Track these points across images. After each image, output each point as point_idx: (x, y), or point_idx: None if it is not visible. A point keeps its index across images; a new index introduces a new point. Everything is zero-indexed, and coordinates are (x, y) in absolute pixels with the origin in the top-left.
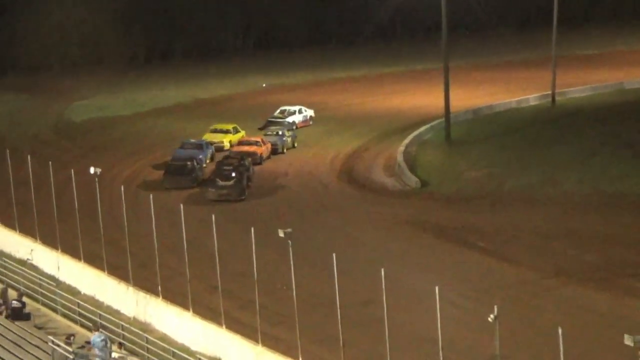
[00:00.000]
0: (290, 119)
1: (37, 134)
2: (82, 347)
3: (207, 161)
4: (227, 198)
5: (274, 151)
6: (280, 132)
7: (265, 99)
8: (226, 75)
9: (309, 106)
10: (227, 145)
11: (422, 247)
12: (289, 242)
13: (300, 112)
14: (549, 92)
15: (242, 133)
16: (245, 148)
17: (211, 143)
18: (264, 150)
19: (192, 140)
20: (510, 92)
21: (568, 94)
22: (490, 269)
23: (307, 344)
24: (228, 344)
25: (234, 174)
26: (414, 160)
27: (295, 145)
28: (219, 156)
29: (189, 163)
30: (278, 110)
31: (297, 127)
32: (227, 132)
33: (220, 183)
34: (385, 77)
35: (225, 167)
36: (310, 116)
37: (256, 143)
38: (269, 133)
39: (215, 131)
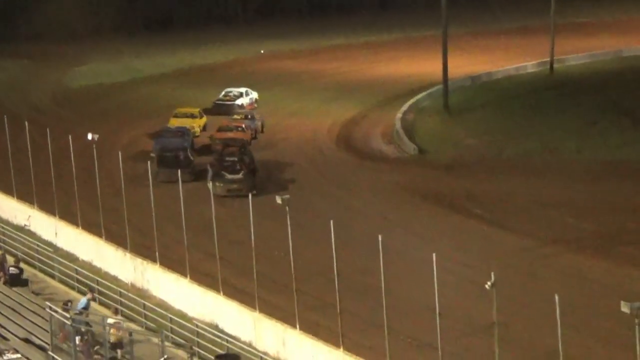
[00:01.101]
0: (239, 102)
1: (36, 101)
2: (80, 313)
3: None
4: (237, 193)
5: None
6: (250, 116)
7: (263, 66)
8: (225, 43)
9: (310, 74)
10: (197, 131)
11: (420, 215)
12: (287, 208)
13: (247, 94)
14: (548, 59)
15: (205, 118)
16: (230, 135)
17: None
18: (248, 136)
19: (172, 128)
20: (509, 59)
21: (566, 62)
22: (488, 236)
23: (304, 311)
24: (225, 310)
25: (240, 166)
26: (412, 128)
27: (264, 130)
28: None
29: (181, 153)
30: (223, 93)
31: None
32: (194, 116)
33: (229, 177)
34: (384, 44)
35: (229, 159)
36: (255, 99)
37: (238, 128)
38: (237, 117)
39: (179, 116)
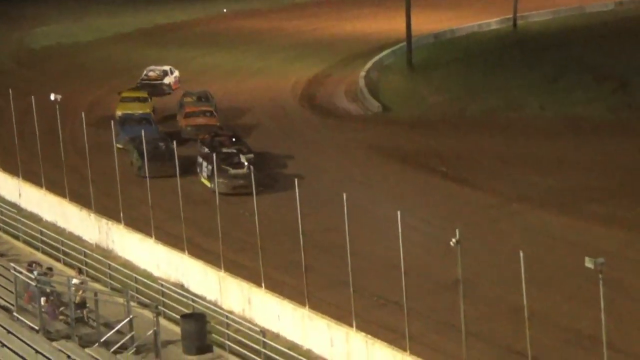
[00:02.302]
0: (166, 81)
1: None
2: (45, 273)
3: None
4: (244, 191)
5: None
6: (204, 97)
7: (225, 25)
8: (187, 1)
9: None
10: (152, 117)
11: (384, 172)
12: (251, 168)
13: (171, 72)
14: (511, 16)
15: (152, 102)
16: (200, 121)
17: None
18: (217, 120)
19: (136, 115)
20: (473, 16)
21: (529, 18)
22: (452, 193)
23: (270, 270)
24: (191, 269)
25: (242, 159)
26: (375, 86)
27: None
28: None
29: (161, 144)
30: (146, 71)
31: (173, 90)
32: (141, 100)
33: (232, 172)
34: (347, 2)
35: (226, 151)
36: (178, 77)
37: (206, 113)
38: (190, 100)
39: (127, 100)
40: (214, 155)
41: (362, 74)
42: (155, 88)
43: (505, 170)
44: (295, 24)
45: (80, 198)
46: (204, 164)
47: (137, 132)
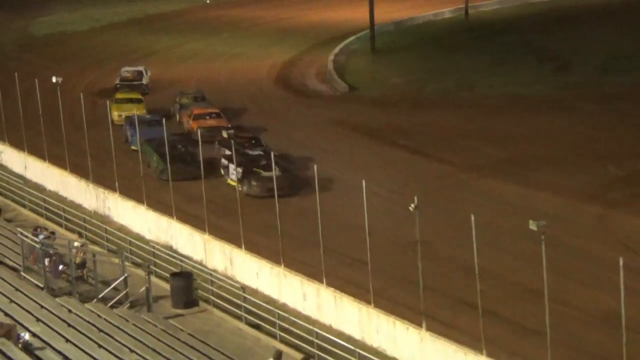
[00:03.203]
0: (144, 81)
1: (3, 48)
2: (48, 237)
3: None
4: (278, 193)
5: None
6: (200, 97)
7: (208, 14)
8: None
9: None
10: None
11: (351, 145)
12: (232, 141)
13: (145, 72)
14: (463, 5)
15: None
16: (210, 122)
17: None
18: (227, 122)
19: (147, 117)
20: (428, 6)
21: (479, 7)
22: (412, 164)
23: (248, 233)
24: (179, 233)
25: (265, 161)
26: (343, 68)
27: None
28: None
29: (180, 146)
30: (122, 72)
31: (149, 90)
32: (138, 101)
33: (265, 174)
34: None
35: (253, 153)
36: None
37: (212, 115)
38: (187, 100)
39: (122, 101)
40: (243, 157)
41: (331, 57)
42: (135, 88)
43: (459, 143)
44: (271, 13)
45: (79, 170)
46: (231, 166)
47: (153, 134)
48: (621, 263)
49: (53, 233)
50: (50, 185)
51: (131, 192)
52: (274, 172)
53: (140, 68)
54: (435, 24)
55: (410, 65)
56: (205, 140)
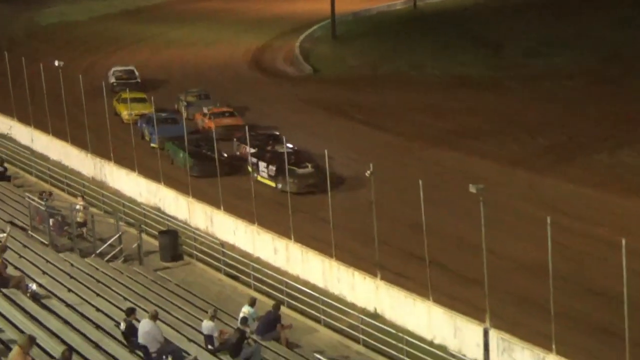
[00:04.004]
0: (138, 80)
1: (13, 36)
2: (47, 199)
3: None
4: (313, 189)
5: None
6: (204, 95)
7: (189, 6)
8: None
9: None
10: None
11: (315, 119)
12: (212, 118)
13: (136, 70)
14: None
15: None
16: (227, 121)
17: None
18: (241, 120)
19: (163, 115)
20: None
21: (426, 0)
22: (367, 135)
23: (227, 196)
24: (166, 196)
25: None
26: (307, 53)
27: None
28: None
29: (203, 144)
30: (114, 71)
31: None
32: (143, 100)
33: (300, 171)
34: None
35: (281, 150)
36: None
37: (226, 114)
38: (191, 99)
39: (127, 101)
40: (272, 155)
41: (297, 43)
42: (133, 87)
43: (408, 116)
44: (246, 4)
45: (79, 142)
46: (261, 163)
47: (171, 132)
48: (549, 221)
49: (50, 194)
50: (54, 155)
51: (124, 161)
52: (309, 169)
53: (131, 67)
54: (388, 14)
55: (366, 50)
56: (222, 138)
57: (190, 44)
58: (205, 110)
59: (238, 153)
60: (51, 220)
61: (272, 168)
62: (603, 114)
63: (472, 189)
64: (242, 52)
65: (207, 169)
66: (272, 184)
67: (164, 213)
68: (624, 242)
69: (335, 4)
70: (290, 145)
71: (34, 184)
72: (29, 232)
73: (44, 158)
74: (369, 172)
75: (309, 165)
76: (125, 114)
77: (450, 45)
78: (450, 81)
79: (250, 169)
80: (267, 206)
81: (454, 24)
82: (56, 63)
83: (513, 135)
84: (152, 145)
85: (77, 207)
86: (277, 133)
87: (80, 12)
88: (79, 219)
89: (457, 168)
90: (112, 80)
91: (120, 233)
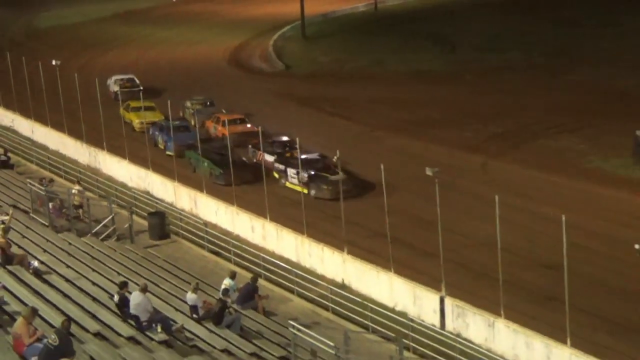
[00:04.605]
0: (141, 87)
1: (13, 37)
2: (47, 185)
3: None
4: (346, 195)
5: None
6: (209, 102)
7: (175, 10)
8: None
9: (209, 14)
10: None
11: (288, 111)
12: (195, 109)
13: (136, 79)
14: (373, 1)
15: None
16: (240, 128)
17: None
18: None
19: (176, 122)
20: (346, 2)
21: (386, 2)
22: (335, 125)
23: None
24: (154, 181)
25: (320, 164)
26: (280, 51)
27: None
28: None
29: (224, 152)
30: (115, 79)
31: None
32: (152, 108)
33: (332, 178)
34: None
35: (309, 157)
36: None
37: (237, 121)
38: (198, 106)
39: (139, 109)
40: (304, 161)
41: (271, 42)
42: (137, 95)
43: (372, 108)
44: (224, 8)
45: (75, 133)
46: (290, 170)
47: (184, 140)
48: (497, 200)
49: (51, 181)
50: (52, 145)
51: (116, 150)
52: (341, 175)
53: (131, 75)
54: (352, 15)
55: (333, 48)
56: (237, 145)
57: (175, 44)
58: (218, 116)
59: (255, 160)
60: (50, 204)
61: (304, 175)
62: (548, 104)
63: (429, 171)
64: (222, 51)
65: (236, 176)
66: (304, 190)
67: (152, 196)
68: (563, 218)
69: (305, 7)
70: (310, 152)
71: (34, 171)
72: (31, 214)
73: (44, 148)
74: (336, 157)
75: (340, 172)
76: (137, 122)
77: (409, 43)
78: (410, 76)
79: (276, 175)
80: (246, 190)
81: (412, 24)
82: (53, 62)
83: (468, 124)
84: (168, 153)
85: (73, 191)
86: (289, 139)
87: (76, 15)
88: (75, 202)
89: (416, 153)
90: (116, 88)
91: (113, 215)
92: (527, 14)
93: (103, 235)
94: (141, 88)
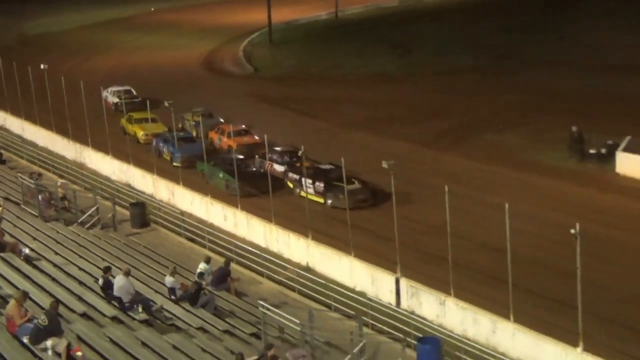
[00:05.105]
0: (140, 98)
1: (5, 43)
2: (37, 178)
3: None
4: (363, 205)
5: None
6: (209, 113)
7: (154, 18)
8: (129, 3)
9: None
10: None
11: (257, 110)
12: (171, 109)
13: (133, 90)
14: (334, 10)
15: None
16: (246, 140)
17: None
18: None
19: (181, 134)
20: (308, 11)
21: (346, 11)
22: (300, 122)
23: (185, 174)
24: (135, 174)
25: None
26: (249, 55)
27: None
28: None
29: (243, 163)
30: (113, 91)
31: None
32: (155, 120)
33: (349, 187)
34: (232, 2)
35: (324, 167)
36: None
37: (242, 132)
38: (198, 118)
39: (142, 121)
40: (316, 171)
41: (241, 47)
42: (138, 106)
43: (334, 107)
44: (201, 16)
45: (62, 130)
46: (304, 180)
47: (191, 151)
48: (446, 189)
49: (40, 175)
50: (41, 142)
51: (100, 146)
52: (356, 185)
53: (128, 87)
54: (315, 23)
55: (298, 52)
56: (244, 156)
57: (154, 50)
58: (223, 128)
59: (262, 170)
60: (40, 196)
61: (320, 185)
62: (495, 103)
63: (385, 164)
64: (196, 55)
65: (250, 188)
66: (319, 200)
67: (133, 188)
68: (507, 206)
69: (272, 15)
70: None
71: (25, 166)
72: (22, 205)
73: (33, 144)
74: (301, 152)
75: (356, 182)
76: (142, 134)
77: (368, 48)
78: (369, 78)
79: (290, 185)
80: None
81: (371, 30)
82: (42, 66)
83: (421, 121)
84: (175, 164)
85: (59, 183)
86: (293, 149)
87: (63, 23)
88: (59, 194)
89: (375, 148)
90: (115, 100)
91: (97, 205)
92: (477, 22)
93: (88, 225)
94: (140, 99)
